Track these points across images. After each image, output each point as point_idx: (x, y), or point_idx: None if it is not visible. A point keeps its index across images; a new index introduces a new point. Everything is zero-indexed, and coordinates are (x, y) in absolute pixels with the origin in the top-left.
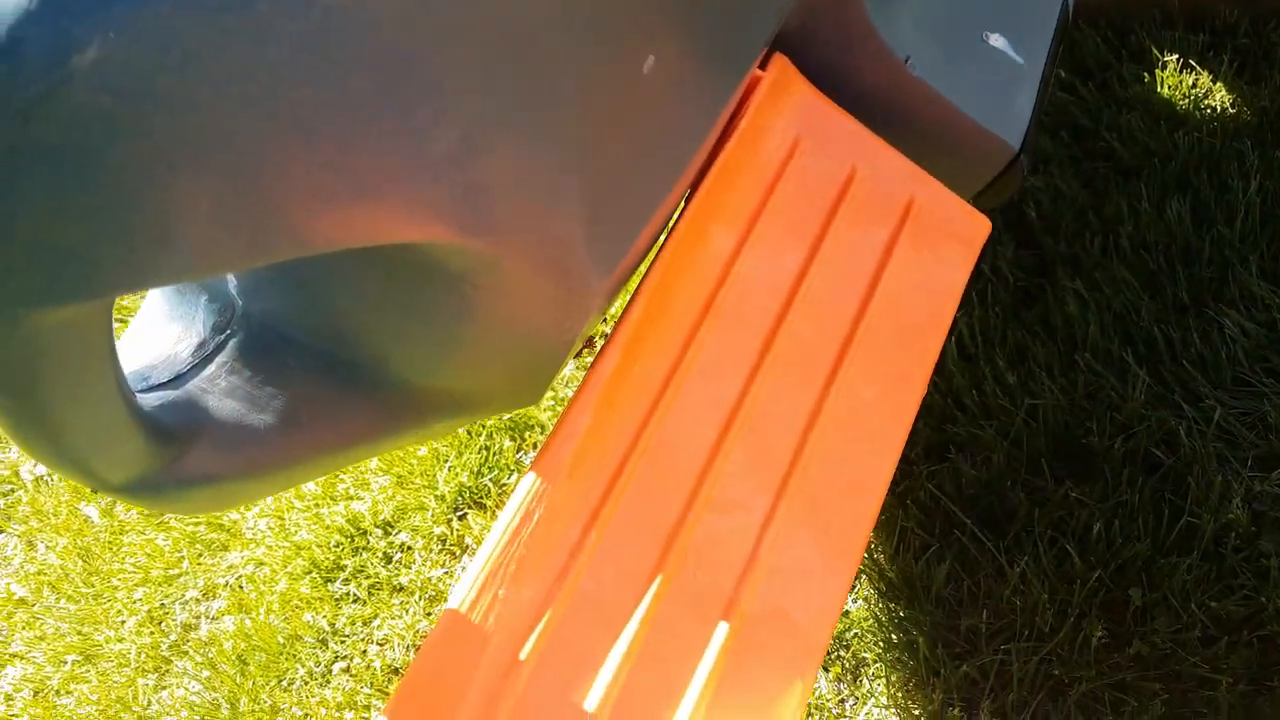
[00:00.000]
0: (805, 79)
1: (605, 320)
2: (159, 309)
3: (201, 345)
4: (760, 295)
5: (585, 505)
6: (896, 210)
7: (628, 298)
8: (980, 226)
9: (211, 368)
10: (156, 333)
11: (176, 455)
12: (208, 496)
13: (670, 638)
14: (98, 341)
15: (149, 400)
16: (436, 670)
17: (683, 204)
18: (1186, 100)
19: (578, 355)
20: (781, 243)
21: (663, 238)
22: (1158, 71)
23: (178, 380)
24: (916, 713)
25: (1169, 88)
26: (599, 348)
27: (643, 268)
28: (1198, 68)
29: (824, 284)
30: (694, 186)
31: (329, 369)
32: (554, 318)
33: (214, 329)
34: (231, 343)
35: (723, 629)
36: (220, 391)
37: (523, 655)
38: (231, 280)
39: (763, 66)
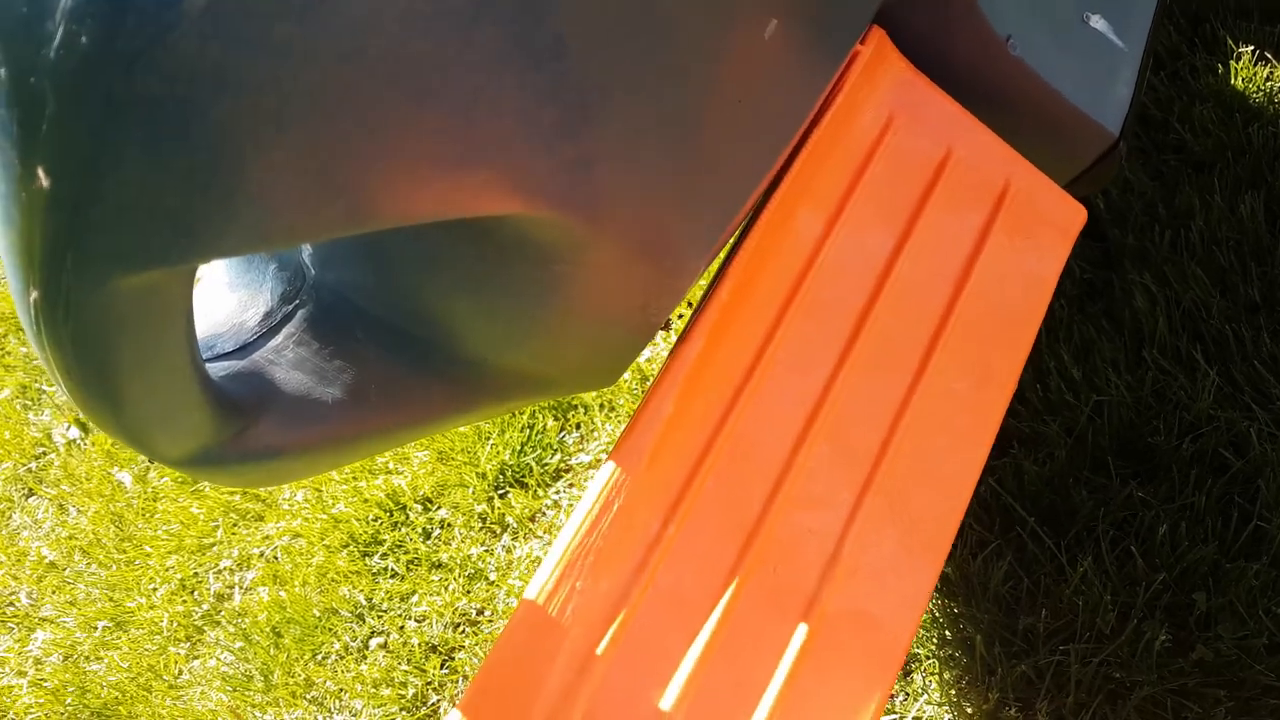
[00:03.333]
0: (902, 55)
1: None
2: (224, 275)
3: (269, 315)
4: (848, 282)
5: (665, 496)
6: (991, 195)
7: (709, 280)
8: (1076, 215)
9: (278, 338)
10: (222, 300)
11: (242, 428)
12: (269, 470)
13: (748, 636)
14: (178, 310)
15: (215, 370)
16: (512, 664)
17: (772, 182)
18: (1261, 93)
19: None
20: (871, 227)
21: (750, 216)
22: (1232, 63)
23: (243, 350)
24: (970, 711)
25: (1243, 80)
26: (679, 331)
27: (727, 248)
28: (1273, 60)
29: (915, 271)
30: (785, 164)
31: (400, 344)
32: (643, 299)
33: (282, 298)
34: (300, 313)
35: (802, 629)
36: (287, 363)
37: (599, 650)
38: (305, 247)
39: (861, 40)
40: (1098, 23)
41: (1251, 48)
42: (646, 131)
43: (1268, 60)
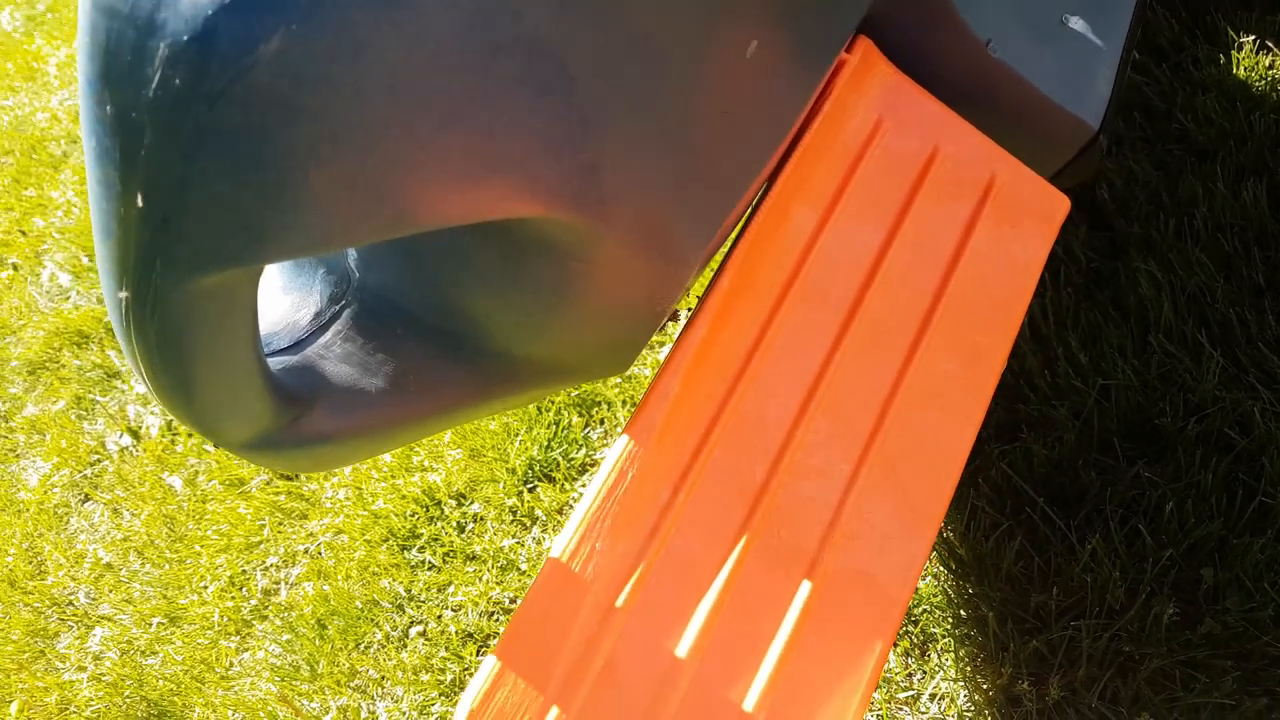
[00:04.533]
0: (888, 61)
1: (688, 294)
2: (279, 280)
3: (319, 314)
4: (843, 270)
5: (675, 467)
6: (978, 189)
7: (713, 271)
8: (1060, 204)
9: (328, 335)
10: (277, 302)
11: (296, 416)
12: (321, 455)
13: (755, 593)
14: (245, 307)
15: (271, 364)
16: (541, 613)
17: (768, 182)
18: (1263, 82)
19: (661, 327)
20: (864, 219)
21: (748, 214)
22: (1233, 53)
23: (297, 346)
24: (985, 686)
25: (1245, 69)
26: (684, 320)
27: (728, 243)
28: (1274, 49)
29: (905, 260)
30: (779, 165)
31: (435, 338)
32: (648, 290)
33: (330, 299)
34: (346, 312)
35: (805, 586)
36: (336, 358)
37: (618, 603)
38: (350, 253)
39: (847, 48)
40: (1076, 23)
41: (1253, 38)
42: (645, 142)
43: (1269, 49)
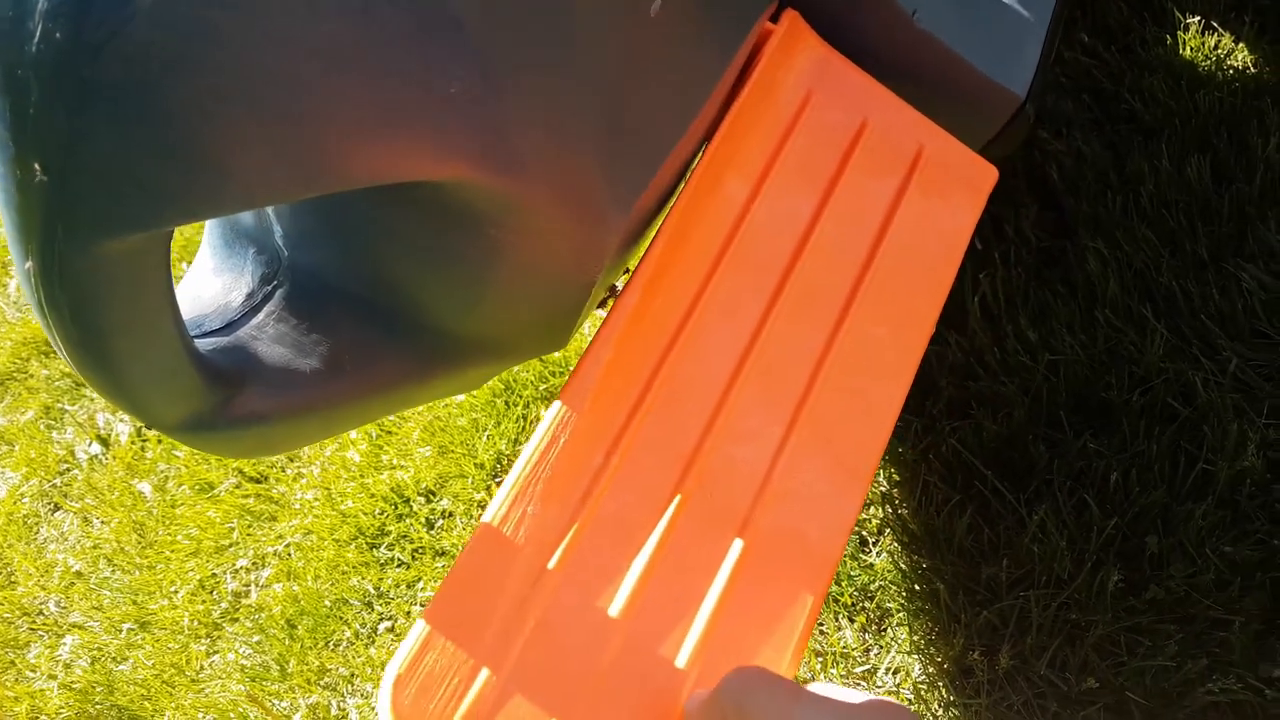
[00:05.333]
0: (816, 34)
1: (627, 270)
2: (210, 262)
3: (250, 295)
4: (774, 239)
5: (608, 432)
6: (906, 159)
7: (648, 242)
8: (987, 174)
9: (260, 316)
10: (208, 284)
11: (228, 396)
12: (257, 437)
13: (687, 553)
14: (156, 275)
15: (203, 345)
16: (471, 577)
17: (699, 154)
18: (1208, 61)
19: (602, 304)
20: (794, 190)
21: (681, 185)
22: (1180, 33)
23: (229, 328)
24: (939, 658)
25: (1191, 49)
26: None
27: (662, 215)
28: (1219, 29)
29: (836, 229)
30: (709, 137)
31: (370, 317)
32: (575, 258)
33: (262, 280)
34: (279, 292)
35: (737, 545)
36: (269, 338)
37: (551, 565)
38: (278, 232)
39: (774, 20)
40: None
41: (1198, 18)
42: (554, 102)
43: (1214, 29)
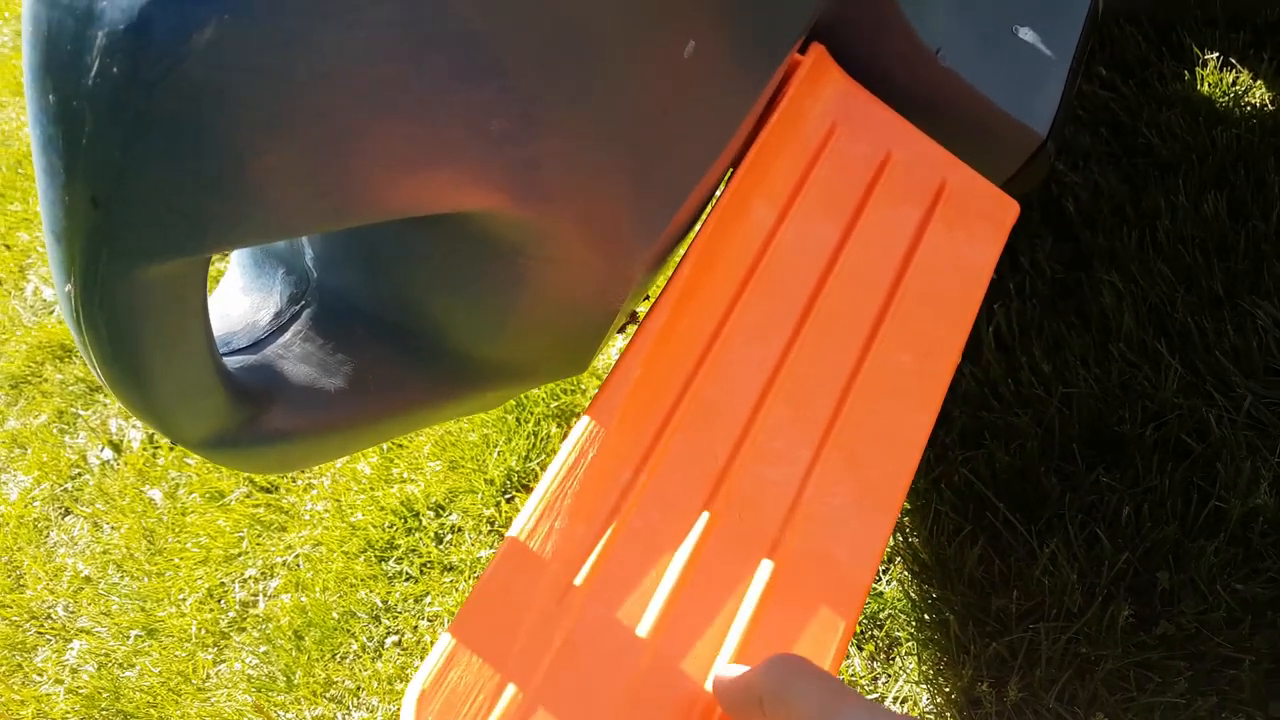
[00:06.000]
0: (841, 68)
1: (647, 298)
2: (239, 281)
3: (278, 315)
4: (800, 265)
5: (636, 449)
6: (929, 193)
7: (675, 264)
8: (1009, 209)
9: (287, 335)
10: (237, 303)
11: (254, 414)
12: (280, 454)
13: (716, 573)
14: (193, 298)
15: (231, 363)
16: (498, 591)
17: (726, 180)
18: (1226, 98)
19: (622, 330)
20: (820, 218)
21: (708, 211)
22: (1198, 69)
23: (256, 346)
24: (947, 689)
25: (1209, 85)
26: (644, 316)
27: (688, 238)
28: (1238, 65)
29: (860, 257)
30: (736, 164)
31: (394, 339)
32: (599, 287)
33: (290, 300)
34: (306, 313)
35: (766, 566)
36: (295, 357)
37: (578, 582)
38: (308, 253)
39: (801, 54)
40: (1026, 33)
41: (1216, 54)
42: (586, 139)
43: (1232, 65)
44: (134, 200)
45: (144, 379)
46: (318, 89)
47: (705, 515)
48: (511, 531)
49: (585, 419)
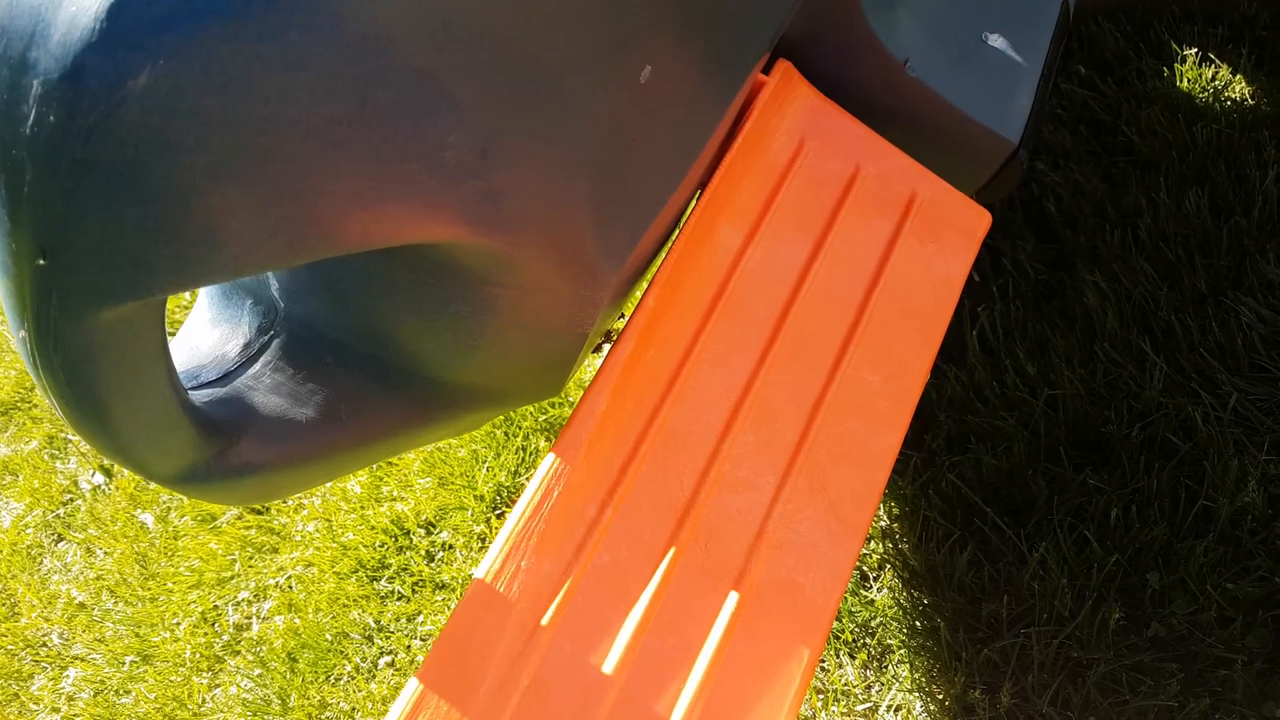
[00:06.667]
0: (809, 83)
1: (622, 316)
2: (207, 314)
3: (247, 346)
4: (768, 286)
5: (602, 483)
6: (899, 206)
7: (643, 289)
8: (981, 219)
9: (256, 366)
10: (205, 335)
11: (224, 447)
12: (253, 486)
13: (682, 606)
14: (151, 338)
15: (199, 396)
16: (465, 634)
17: (693, 202)
18: (1205, 93)
19: (597, 350)
20: (788, 237)
21: (675, 234)
22: (1177, 65)
23: (226, 378)
24: (940, 696)
25: (1188, 81)
26: (610, 346)
27: (656, 262)
28: (1217, 61)
29: (830, 276)
30: (703, 186)
31: (364, 366)
32: (568, 312)
33: (258, 330)
34: (275, 343)
35: (733, 598)
36: (265, 388)
37: (544, 621)
38: (274, 284)
39: (767, 71)
40: (996, 40)
41: (1195, 50)
42: (546, 167)
43: (1211, 61)
44: (79, 246)
45: (105, 419)
46: (260, 129)
47: (672, 549)
48: (477, 573)
49: (551, 456)
